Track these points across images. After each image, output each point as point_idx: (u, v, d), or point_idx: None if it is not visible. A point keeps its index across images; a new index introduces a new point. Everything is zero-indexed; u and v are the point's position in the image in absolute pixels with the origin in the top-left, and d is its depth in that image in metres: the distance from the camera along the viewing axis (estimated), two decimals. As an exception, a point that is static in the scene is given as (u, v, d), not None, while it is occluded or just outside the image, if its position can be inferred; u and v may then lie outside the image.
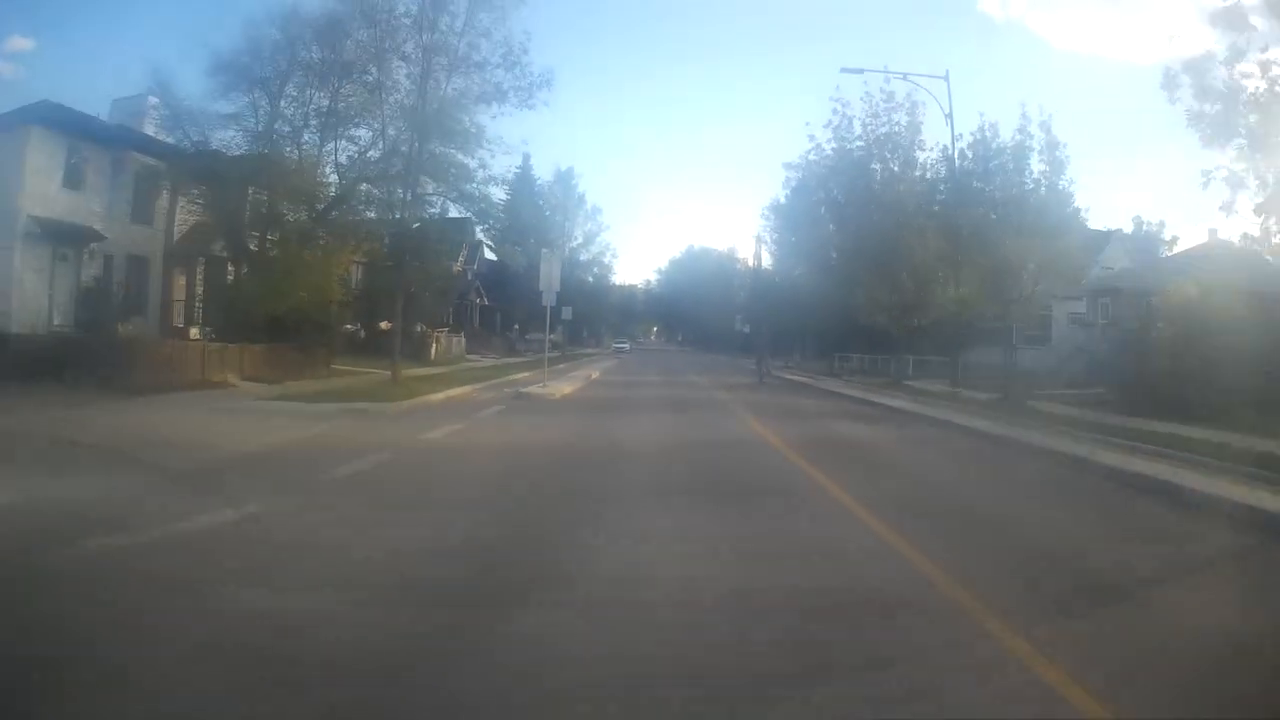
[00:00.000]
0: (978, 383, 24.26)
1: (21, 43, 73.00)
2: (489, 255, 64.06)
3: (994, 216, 21.80)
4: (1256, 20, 15.56)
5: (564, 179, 48.35)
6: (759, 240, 55.88)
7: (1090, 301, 33.76)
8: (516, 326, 66.56)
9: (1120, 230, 46.73)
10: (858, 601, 5.08)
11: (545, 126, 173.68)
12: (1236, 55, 15.95)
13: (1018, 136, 22.90)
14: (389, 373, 23.13)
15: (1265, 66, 15.61)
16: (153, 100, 28.67)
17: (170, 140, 27.47)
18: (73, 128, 25.96)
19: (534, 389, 22.74)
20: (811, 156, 36.02)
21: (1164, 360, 17.71)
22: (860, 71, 28.97)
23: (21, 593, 4.79)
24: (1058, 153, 22.48)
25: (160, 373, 19.25)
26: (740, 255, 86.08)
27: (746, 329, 60.26)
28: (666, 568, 5.84)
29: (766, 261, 56.81)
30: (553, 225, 54.21)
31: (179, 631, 4.26)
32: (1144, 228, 65.00)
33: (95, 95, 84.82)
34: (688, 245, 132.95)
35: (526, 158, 31.63)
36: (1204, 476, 9.82)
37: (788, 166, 40.72)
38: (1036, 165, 22.63)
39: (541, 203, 62.86)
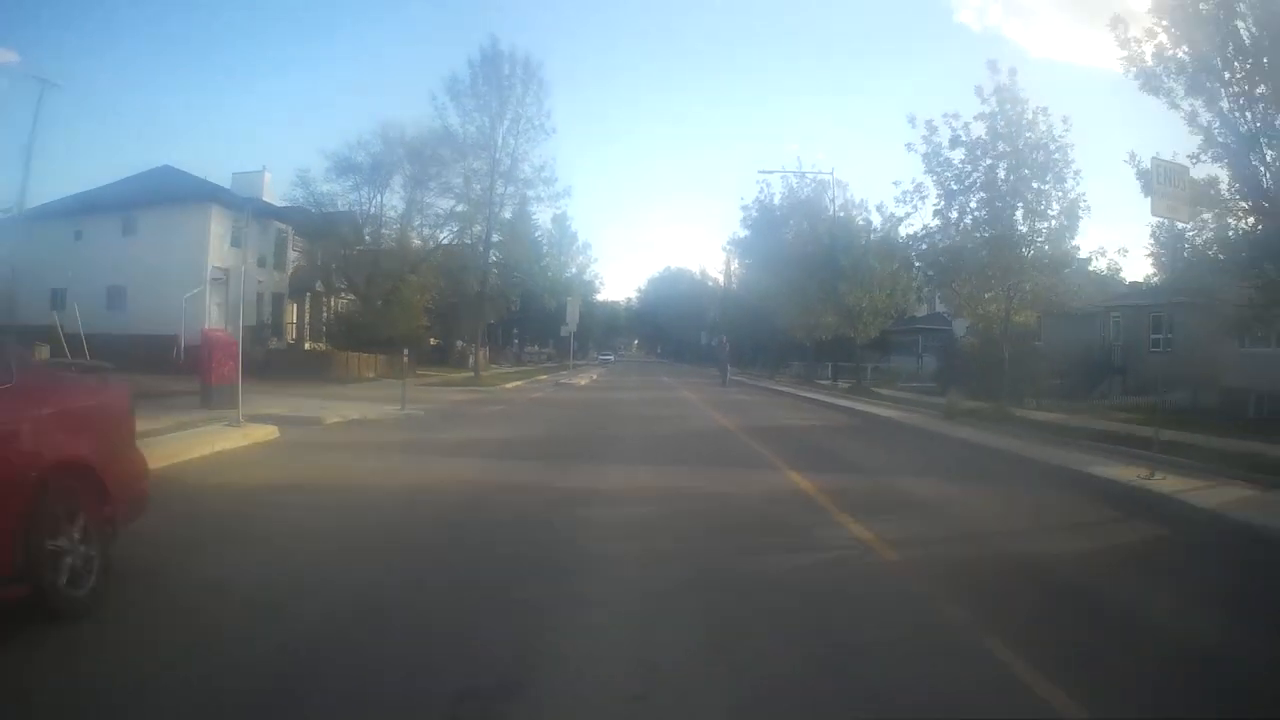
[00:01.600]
0: (869, 380, 36.76)
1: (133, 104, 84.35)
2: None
3: (845, 266, 33.66)
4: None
5: (559, 221, 60.18)
6: (726, 266, 68.44)
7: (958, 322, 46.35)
8: (516, 340, 78.58)
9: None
10: (729, 458, 16.73)
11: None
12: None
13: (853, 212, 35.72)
14: (461, 374, 35.38)
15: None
16: (267, 175, 40.81)
17: (288, 205, 39.47)
18: (234, 205, 37.87)
19: (564, 380, 35.24)
20: (754, 212, 48.79)
21: (967, 361, 29.82)
22: (772, 172, 41.90)
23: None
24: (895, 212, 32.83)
25: (333, 371, 31.32)
26: (711, 275, 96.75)
27: (713, 343, 72.05)
28: (653, 428, 18.12)
29: (734, 285, 68.97)
30: (551, 261, 65.77)
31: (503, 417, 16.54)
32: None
33: (206, 160, 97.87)
34: (665, 266, 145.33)
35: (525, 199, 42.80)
36: (919, 416, 21.89)
37: (743, 208, 52.63)
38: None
39: (539, 235, 75.33)
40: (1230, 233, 13.34)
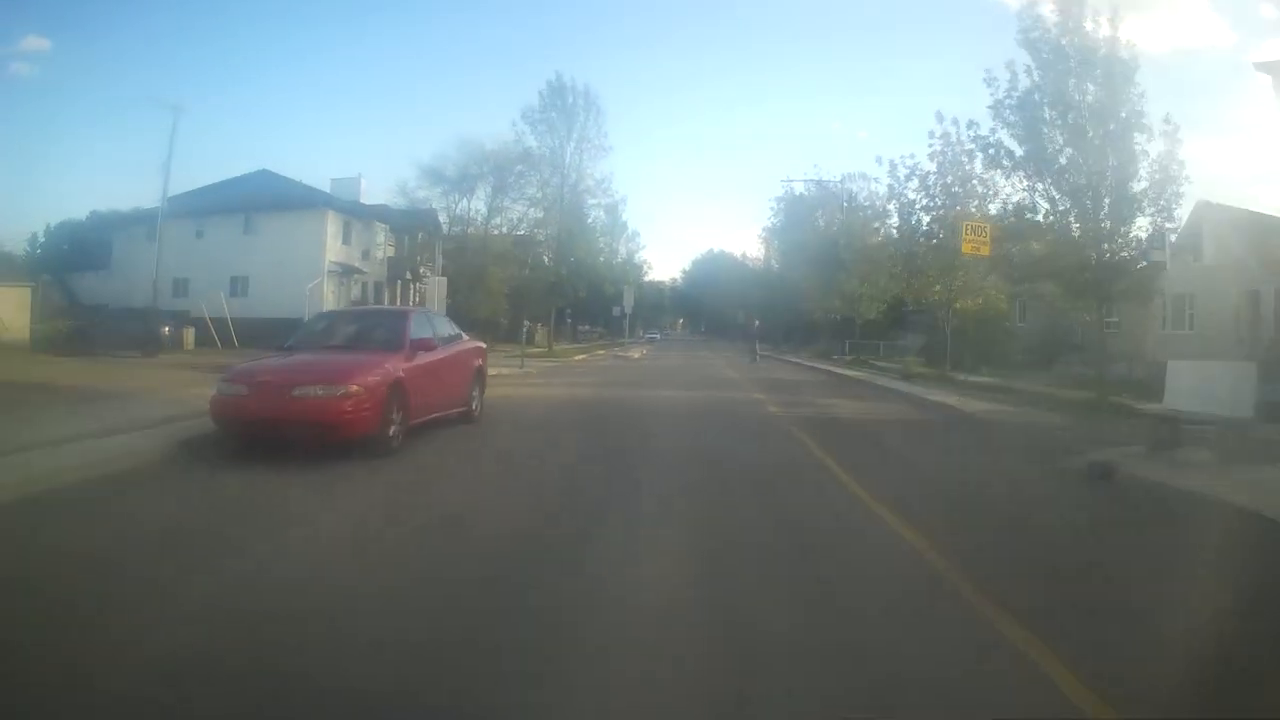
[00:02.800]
0: (875, 355, 44.48)
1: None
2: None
3: (846, 259, 41.39)
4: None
5: (611, 211, 67.37)
6: (765, 251, 76.04)
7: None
8: (569, 321, 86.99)
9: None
10: (738, 410, 24.80)
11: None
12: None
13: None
14: (535, 349, 43.65)
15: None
16: (363, 180, 49.57)
17: (384, 204, 47.93)
18: (342, 208, 46.50)
19: (618, 354, 43.50)
20: (781, 208, 56.87)
21: (944, 338, 37.50)
22: (793, 181, 49.93)
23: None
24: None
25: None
26: (751, 257, 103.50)
27: (742, 322, 79.50)
28: (687, 376, 26.26)
29: (773, 267, 76.37)
30: (605, 247, 73.80)
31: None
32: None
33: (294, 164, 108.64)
34: (709, 248, 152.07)
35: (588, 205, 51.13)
36: (884, 378, 29.73)
37: (775, 200, 60.33)
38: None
39: (593, 222, 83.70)
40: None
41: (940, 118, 27.78)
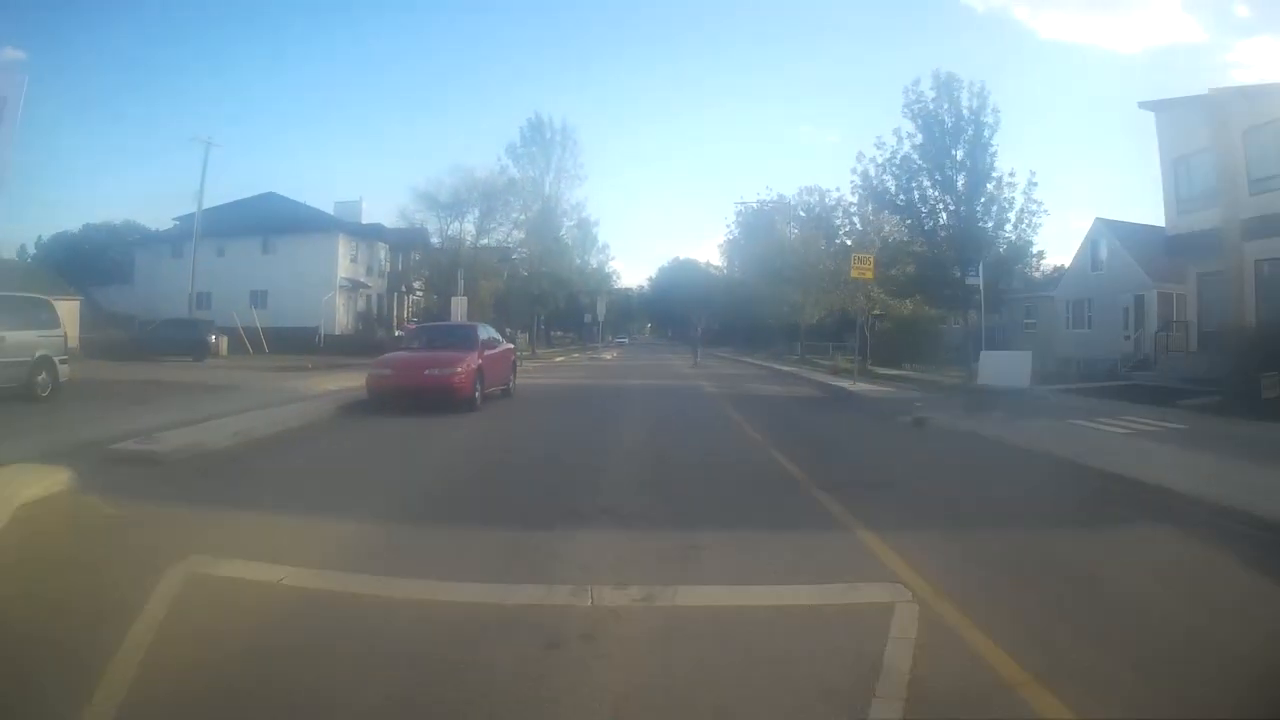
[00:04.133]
0: (824, 356, 51.35)
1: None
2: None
3: (789, 273, 48.21)
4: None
5: (583, 226, 72.82)
6: (725, 257, 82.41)
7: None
8: (543, 327, 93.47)
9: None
10: (685, 392, 31.76)
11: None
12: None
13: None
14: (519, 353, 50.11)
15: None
16: (364, 203, 55.86)
17: (379, 223, 54.22)
18: (351, 231, 52.69)
19: (593, 355, 50.08)
20: (735, 227, 63.67)
21: (866, 340, 44.37)
22: (744, 203, 56.90)
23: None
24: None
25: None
26: (715, 265, 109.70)
27: (688, 327, 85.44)
28: (650, 372, 32.95)
29: (733, 275, 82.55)
30: (577, 258, 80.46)
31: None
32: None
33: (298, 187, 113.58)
34: (675, 255, 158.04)
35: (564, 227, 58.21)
36: (817, 373, 36.52)
37: (736, 212, 67.04)
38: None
39: (562, 233, 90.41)
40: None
41: (861, 157, 34.59)
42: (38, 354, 15.07)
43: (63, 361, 15.89)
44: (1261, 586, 5.70)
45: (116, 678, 3.72)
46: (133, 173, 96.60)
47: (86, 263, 57.09)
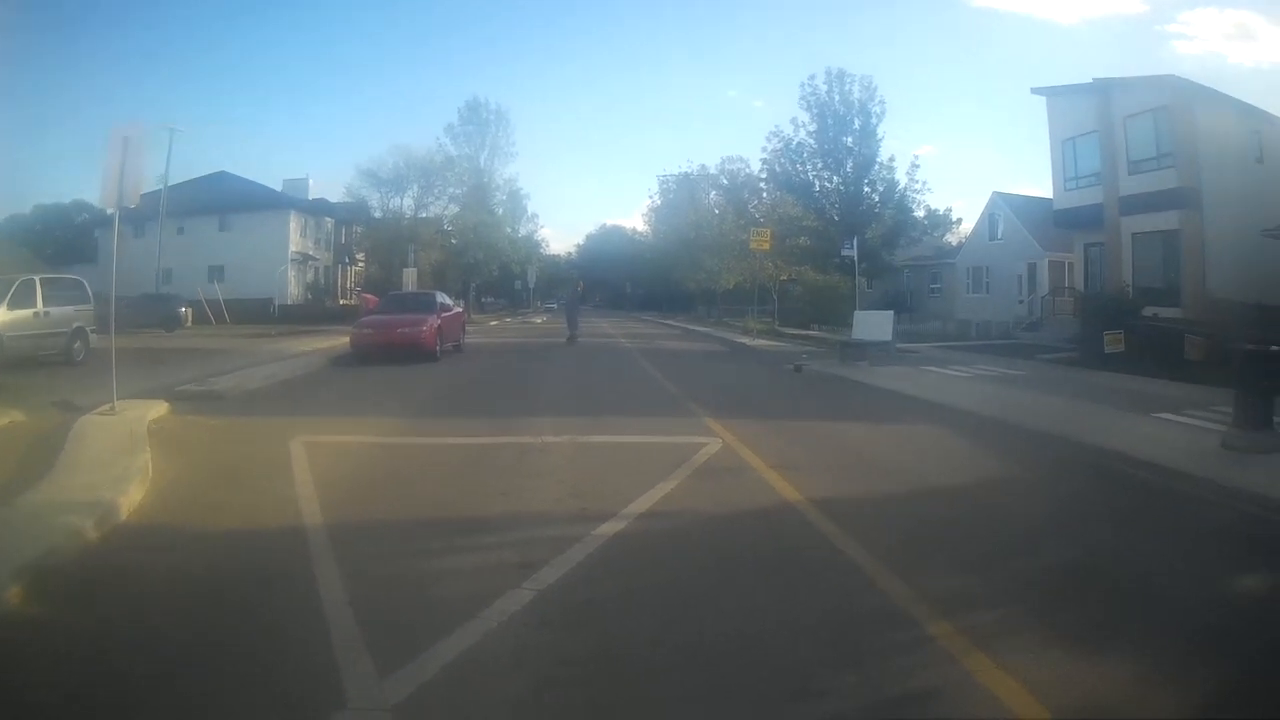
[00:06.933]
0: (741, 318, 55.77)
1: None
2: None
3: (706, 242, 52.38)
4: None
5: (515, 197, 75.48)
6: (649, 225, 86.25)
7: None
8: (473, 291, 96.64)
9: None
10: (607, 345, 35.66)
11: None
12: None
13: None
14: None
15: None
16: (311, 180, 58.51)
17: (323, 198, 57.15)
18: (301, 207, 55.35)
19: (525, 319, 53.85)
20: (657, 197, 67.74)
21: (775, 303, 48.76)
22: (668, 175, 60.18)
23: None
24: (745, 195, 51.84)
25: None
26: (641, 232, 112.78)
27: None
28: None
29: (654, 242, 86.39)
30: (508, 226, 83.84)
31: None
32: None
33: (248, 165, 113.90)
34: (603, 222, 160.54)
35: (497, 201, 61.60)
36: (729, 332, 40.77)
37: (659, 180, 71.04)
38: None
39: (495, 205, 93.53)
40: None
41: (771, 136, 38.15)
42: (74, 325, 17.89)
43: (93, 331, 18.34)
44: (961, 445, 10.00)
45: (304, 489, 7.70)
46: (79, 156, 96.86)
47: (47, 242, 58.53)
